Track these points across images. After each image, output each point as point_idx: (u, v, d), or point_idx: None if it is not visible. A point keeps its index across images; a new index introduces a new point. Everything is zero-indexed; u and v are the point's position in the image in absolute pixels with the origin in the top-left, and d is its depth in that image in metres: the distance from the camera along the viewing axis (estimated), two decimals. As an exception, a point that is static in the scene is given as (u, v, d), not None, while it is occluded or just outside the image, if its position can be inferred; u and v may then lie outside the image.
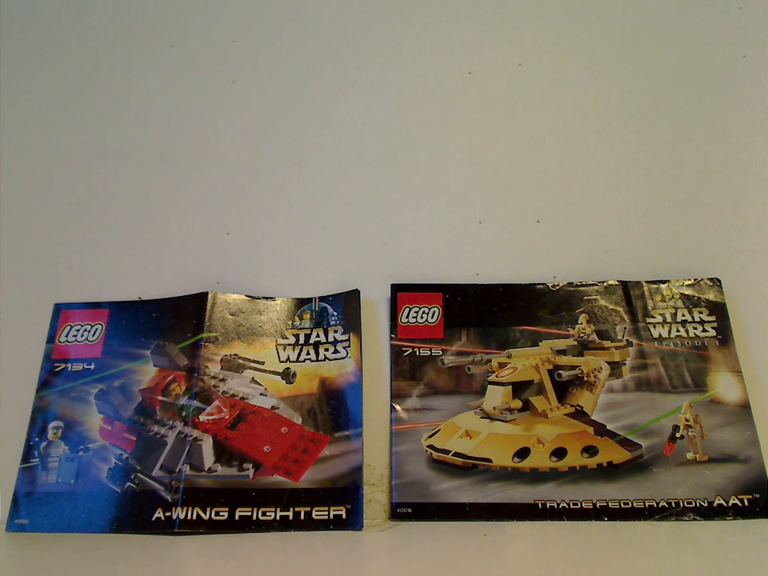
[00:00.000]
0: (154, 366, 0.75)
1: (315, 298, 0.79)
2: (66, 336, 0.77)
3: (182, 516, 0.67)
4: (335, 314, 0.78)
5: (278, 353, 0.76)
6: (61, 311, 0.79)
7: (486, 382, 0.74)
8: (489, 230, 0.84)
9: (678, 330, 0.76)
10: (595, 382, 0.74)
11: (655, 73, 0.94)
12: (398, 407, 0.73)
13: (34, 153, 0.90)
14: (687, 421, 0.71)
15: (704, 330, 0.76)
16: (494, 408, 0.72)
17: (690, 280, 0.79)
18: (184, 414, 0.72)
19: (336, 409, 0.72)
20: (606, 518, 0.67)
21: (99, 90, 0.95)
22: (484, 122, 0.91)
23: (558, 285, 0.79)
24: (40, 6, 1.01)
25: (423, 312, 0.78)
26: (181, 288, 0.80)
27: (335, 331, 0.77)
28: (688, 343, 0.75)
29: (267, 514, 0.67)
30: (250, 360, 0.76)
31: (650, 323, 0.77)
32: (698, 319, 0.76)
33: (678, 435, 0.70)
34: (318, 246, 0.84)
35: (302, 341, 0.77)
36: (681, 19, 0.97)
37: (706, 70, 0.93)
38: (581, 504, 0.67)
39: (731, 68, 0.93)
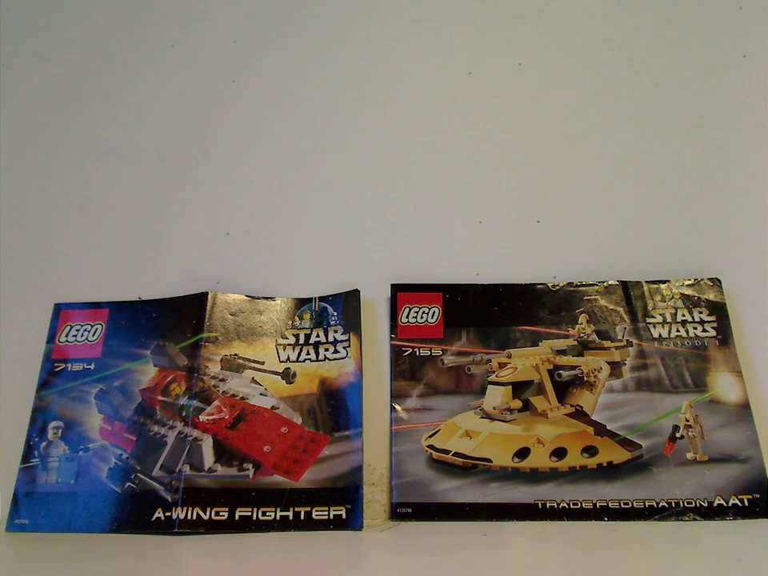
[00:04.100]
0: (154, 366, 0.75)
1: (315, 298, 0.79)
2: (66, 336, 0.77)
3: (181, 516, 0.67)
4: (335, 314, 0.78)
5: (277, 353, 0.76)
6: (61, 311, 0.79)
7: (486, 382, 0.74)
8: (489, 230, 0.84)
9: (678, 330, 0.76)
10: (595, 381, 0.74)
11: (655, 73, 0.94)
12: (398, 407, 0.73)
13: (33, 153, 0.90)
14: (687, 421, 0.71)
15: (704, 330, 0.76)
16: (494, 408, 0.72)
17: (690, 280, 0.79)
18: (184, 414, 0.72)
19: (336, 409, 0.72)
20: (606, 518, 0.67)
21: (99, 90, 0.95)
22: (484, 122, 0.91)
23: (558, 285, 0.79)
24: (40, 5, 1.01)
25: (423, 312, 0.78)
26: (181, 288, 0.80)
27: (335, 331, 0.77)
28: (688, 343, 0.75)
29: (267, 514, 0.67)
30: (249, 360, 0.76)
31: (650, 323, 0.77)
32: (698, 319, 0.76)
33: (678, 435, 0.70)
34: (318, 246, 0.84)
35: (301, 341, 0.77)
36: (681, 19, 0.97)
37: (706, 70, 0.93)
38: (581, 504, 0.67)
39: (731, 68, 0.93)
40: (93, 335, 0.77)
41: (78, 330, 0.78)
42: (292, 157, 0.90)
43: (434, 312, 0.78)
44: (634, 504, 0.67)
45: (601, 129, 0.90)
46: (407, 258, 0.83)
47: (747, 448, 0.69)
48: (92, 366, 0.76)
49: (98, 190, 0.88)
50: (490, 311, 0.78)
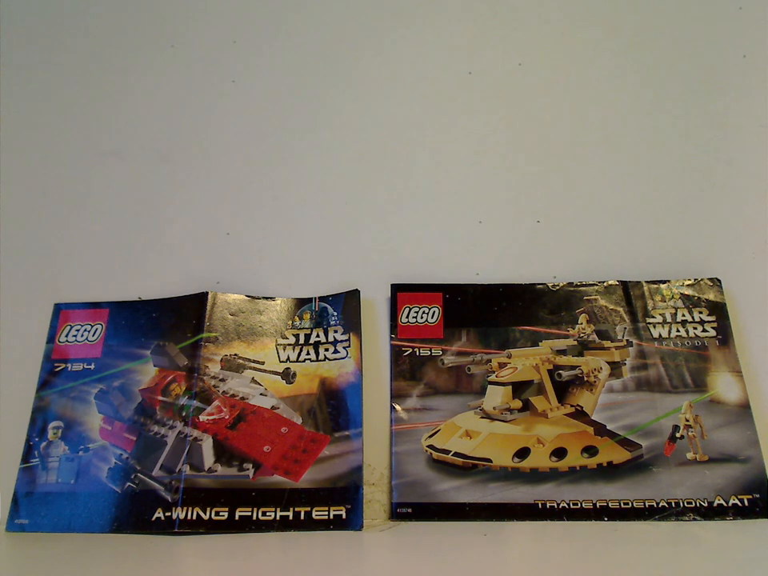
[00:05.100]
0: (154, 365, 0.75)
1: (315, 298, 0.79)
2: (66, 336, 0.77)
3: (181, 516, 0.67)
4: (335, 314, 0.78)
5: (277, 353, 0.76)
6: (61, 311, 0.79)
7: (486, 382, 0.74)
8: (489, 230, 0.84)
9: (678, 330, 0.76)
10: (595, 381, 0.74)
11: (655, 73, 0.94)
12: (398, 407, 0.73)
13: (33, 153, 0.90)
14: (687, 421, 0.71)
15: (704, 330, 0.76)
16: (494, 408, 0.72)
17: (690, 280, 0.79)
18: (184, 414, 0.72)
19: (336, 409, 0.72)
20: (606, 518, 0.67)
21: (99, 90, 0.95)
22: (484, 122, 0.91)
23: (558, 285, 0.79)
24: (40, 5, 1.01)
25: (423, 312, 0.78)
26: (181, 288, 0.80)
27: (335, 331, 0.77)
28: (688, 343, 0.75)
29: (267, 514, 0.67)
30: (250, 360, 0.76)
31: (650, 323, 0.77)
32: (698, 319, 0.76)
33: (678, 435, 0.70)
34: (318, 246, 0.84)
35: (301, 341, 0.77)
36: (681, 19, 0.97)
37: (706, 70, 0.93)
38: (581, 504, 0.67)
39: (731, 68, 0.93)
40: (93, 335, 0.77)
41: (78, 330, 0.78)
42: (292, 157, 0.90)
43: (434, 312, 0.78)
44: (634, 504, 0.67)
45: (601, 129, 0.90)
46: (407, 258, 0.83)
47: (747, 448, 0.69)
48: (92, 366, 0.76)
49: (97, 189, 0.88)
50: (490, 311, 0.78)
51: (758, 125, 0.89)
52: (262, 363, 0.76)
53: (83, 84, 0.95)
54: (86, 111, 0.93)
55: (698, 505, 0.67)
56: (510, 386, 0.73)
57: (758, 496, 0.67)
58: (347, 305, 0.78)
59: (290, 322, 0.78)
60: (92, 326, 0.78)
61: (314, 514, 0.67)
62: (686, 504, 0.67)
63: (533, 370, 0.74)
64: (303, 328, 0.78)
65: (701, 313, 0.77)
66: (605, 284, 0.79)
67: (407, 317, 0.78)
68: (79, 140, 0.91)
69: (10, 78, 0.95)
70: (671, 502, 0.67)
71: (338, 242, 0.84)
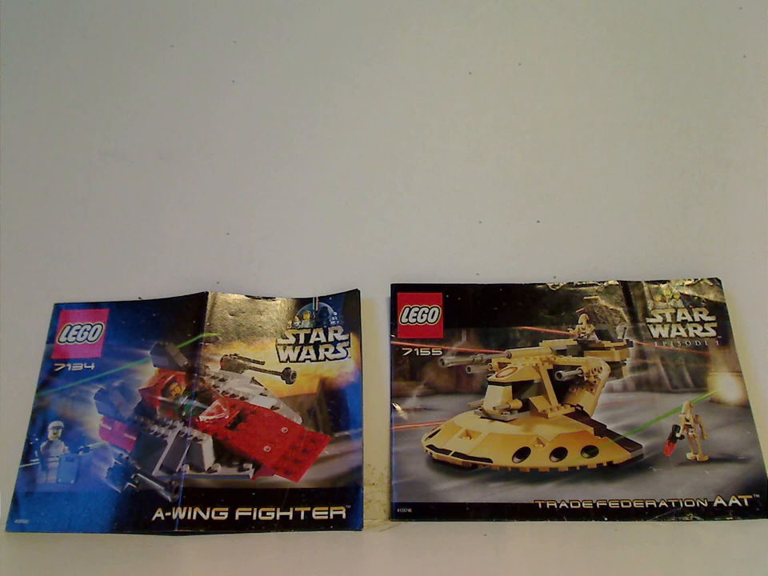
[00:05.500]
0: (154, 365, 0.75)
1: (315, 298, 0.79)
2: (66, 336, 0.77)
3: (181, 516, 0.67)
4: (335, 314, 0.78)
5: (277, 353, 0.76)
6: (61, 311, 0.79)
7: (486, 382, 0.74)
8: (489, 230, 0.84)
9: (678, 330, 0.76)
10: (595, 382, 0.74)
11: (655, 73, 0.94)
12: (398, 407, 0.73)
13: (34, 153, 0.90)
14: (687, 421, 0.71)
15: (704, 330, 0.76)
16: (494, 408, 0.72)
17: (689, 280, 0.79)
18: (184, 414, 0.72)
19: (336, 409, 0.72)
20: (606, 518, 0.67)
21: (99, 90, 0.95)
22: (484, 122, 0.91)
23: (557, 285, 0.79)
24: (40, 5, 1.01)
25: (423, 312, 0.78)
26: (181, 288, 0.80)
27: (335, 331, 0.77)
28: (688, 343, 0.75)
29: (267, 514, 0.67)
30: (250, 360, 0.76)
31: (650, 323, 0.77)
32: (698, 319, 0.77)
33: (678, 435, 0.70)
34: (318, 246, 0.84)
35: (302, 341, 0.77)
36: (681, 19, 0.97)
37: (706, 70, 0.93)
38: (581, 504, 0.67)
39: (731, 68, 0.93)
40: (93, 335, 0.77)
41: (78, 330, 0.78)
42: (292, 157, 0.90)
43: (434, 312, 0.78)
44: (634, 504, 0.67)
45: (601, 129, 0.90)
46: (407, 258, 0.83)
47: (747, 448, 0.69)
48: (92, 366, 0.76)
49: (98, 190, 0.88)
50: (489, 311, 0.78)
51: (757, 125, 0.89)
52: (262, 363, 0.76)
53: (83, 84, 0.95)
54: (86, 111, 0.93)
55: (697, 505, 0.67)
56: (510, 386, 0.73)
57: (757, 496, 0.67)
58: (347, 305, 0.78)
59: (290, 322, 0.78)
60: (92, 326, 0.78)
61: (314, 513, 0.67)
62: (685, 504, 0.67)
63: (533, 370, 0.74)
64: (303, 328, 0.78)
65: (701, 313, 0.77)
66: (605, 284, 0.79)
67: (407, 317, 0.78)
68: (79, 140, 0.91)
69: (9, 78, 0.95)
70: (671, 502, 0.67)
71: (338, 242, 0.84)
